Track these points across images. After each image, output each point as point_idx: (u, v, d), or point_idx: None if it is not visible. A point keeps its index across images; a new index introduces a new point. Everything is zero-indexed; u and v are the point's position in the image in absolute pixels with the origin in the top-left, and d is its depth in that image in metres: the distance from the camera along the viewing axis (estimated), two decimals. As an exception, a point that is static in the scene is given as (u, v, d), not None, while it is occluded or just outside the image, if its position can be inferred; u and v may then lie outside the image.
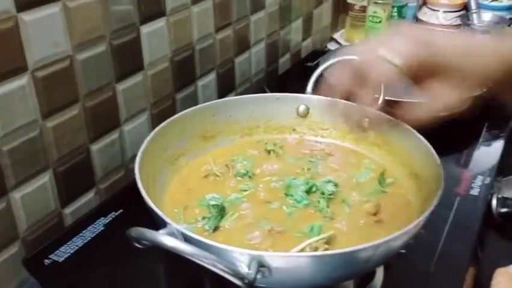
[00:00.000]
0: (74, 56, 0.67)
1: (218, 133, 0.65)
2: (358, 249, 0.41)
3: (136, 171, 0.49)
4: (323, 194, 0.56)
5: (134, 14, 0.75)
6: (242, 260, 0.40)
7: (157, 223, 0.45)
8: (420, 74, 0.45)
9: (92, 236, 0.62)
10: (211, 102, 0.66)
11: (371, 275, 0.56)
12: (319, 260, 0.41)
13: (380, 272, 0.57)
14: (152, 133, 0.56)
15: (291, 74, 1.16)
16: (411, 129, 0.57)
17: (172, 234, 0.41)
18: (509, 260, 0.68)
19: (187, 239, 0.41)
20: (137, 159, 0.51)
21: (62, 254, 0.60)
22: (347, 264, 0.43)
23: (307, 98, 0.68)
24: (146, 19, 0.77)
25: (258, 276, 0.40)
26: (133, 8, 0.74)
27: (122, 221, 0.64)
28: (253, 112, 0.67)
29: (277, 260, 0.40)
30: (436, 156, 0.53)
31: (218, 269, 0.38)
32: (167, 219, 0.42)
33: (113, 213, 0.66)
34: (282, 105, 0.68)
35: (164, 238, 0.38)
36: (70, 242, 0.61)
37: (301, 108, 0.68)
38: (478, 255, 0.69)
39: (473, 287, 0.67)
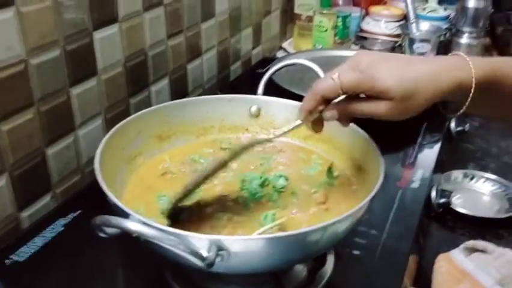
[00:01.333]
0: (28, 60, 0.67)
1: (174, 133, 0.68)
2: (309, 231, 0.44)
3: (96, 165, 0.51)
4: (274, 187, 0.60)
5: (87, 20, 0.76)
6: (202, 245, 0.42)
7: (119, 216, 0.46)
8: (363, 92, 0.51)
9: (53, 235, 0.63)
10: (167, 103, 0.69)
11: (322, 261, 0.60)
12: (273, 242, 0.44)
13: (330, 259, 0.61)
14: (110, 132, 0.58)
15: (242, 80, 1.20)
16: (355, 126, 0.62)
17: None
18: (449, 247, 0.74)
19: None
20: (97, 156, 0.53)
21: (23, 254, 0.60)
22: (299, 246, 0.46)
23: (259, 99, 0.72)
24: (99, 25, 0.79)
25: (217, 260, 0.42)
26: (86, 14, 0.76)
27: (82, 221, 0.65)
28: (207, 113, 0.70)
29: (235, 243, 0.43)
30: (377, 148, 0.58)
31: (180, 249, 0.40)
32: (129, 210, 0.44)
33: (72, 214, 0.67)
34: (234, 106, 0.71)
35: (129, 223, 0.40)
36: (30, 242, 0.62)
37: (253, 108, 0.72)
38: (420, 244, 0.75)
39: (417, 273, 0.72)
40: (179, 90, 1.04)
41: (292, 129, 0.58)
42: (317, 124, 0.57)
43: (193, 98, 0.69)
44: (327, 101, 0.53)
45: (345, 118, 0.55)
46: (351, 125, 0.62)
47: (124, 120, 0.61)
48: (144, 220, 0.43)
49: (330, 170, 0.62)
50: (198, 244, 0.42)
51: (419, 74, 0.50)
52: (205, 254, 0.41)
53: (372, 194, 0.50)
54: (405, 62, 0.52)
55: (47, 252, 0.61)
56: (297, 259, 0.51)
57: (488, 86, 0.52)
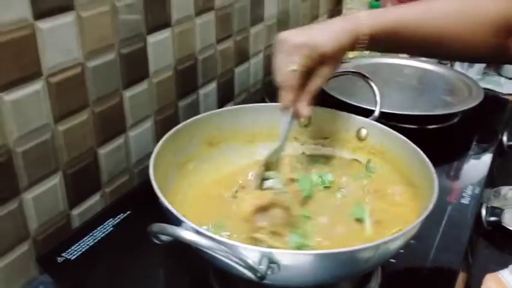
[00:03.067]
0: (85, 63, 0.69)
1: (224, 140, 0.68)
2: (360, 249, 0.44)
3: (151, 171, 0.52)
4: None
5: (142, 24, 0.78)
6: (253, 256, 0.42)
7: (171, 222, 0.47)
8: (317, 63, 0.63)
9: (103, 235, 0.65)
10: (219, 110, 0.69)
11: (369, 277, 0.59)
12: (323, 258, 0.44)
13: (377, 275, 0.60)
14: (164, 138, 0.59)
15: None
16: (409, 141, 0.61)
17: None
18: (498, 266, 0.71)
19: (201, 235, 0.44)
20: (151, 161, 0.54)
21: (73, 252, 0.62)
22: (349, 263, 0.46)
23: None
24: (152, 29, 0.80)
25: (269, 272, 0.42)
26: (141, 18, 0.77)
27: (131, 222, 0.67)
28: (256, 120, 0.70)
29: (286, 256, 0.43)
30: (431, 165, 0.57)
31: (232, 261, 0.41)
32: (183, 218, 0.45)
33: (122, 214, 0.68)
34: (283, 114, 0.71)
35: (183, 232, 0.41)
36: (81, 241, 0.64)
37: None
38: (468, 261, 0.73)
39: (465, 292, 0.70)
40: (226, 94, 1.05)
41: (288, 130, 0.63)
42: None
43: (244, 105, 0.69)
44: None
45: (311, 100, 0.64)
46: (404, 139, 0.62)
47: (177, 126, 0.62)
48: (197, 228, 0.44)
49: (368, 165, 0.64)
50: (249, 255, 0.43)
51: (336, 33, 0.63)
52: (256, 266, 0.41)
53: (427, 212, 0.49)
54: (323, 26, 0.64)
55: (97, 252, 0.63)
56: (345, 275, 0.51)
57: (386, 37, 0.64)
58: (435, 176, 0.54)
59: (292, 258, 0.44)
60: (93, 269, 0.60)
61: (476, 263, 0.76)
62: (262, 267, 0.41)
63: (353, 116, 0.69)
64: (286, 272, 0.44)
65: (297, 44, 0.62)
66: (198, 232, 0.42)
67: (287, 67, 0.62)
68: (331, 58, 0.63)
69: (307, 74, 0.63)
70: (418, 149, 0.60)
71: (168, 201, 0.48)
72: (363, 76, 0.69)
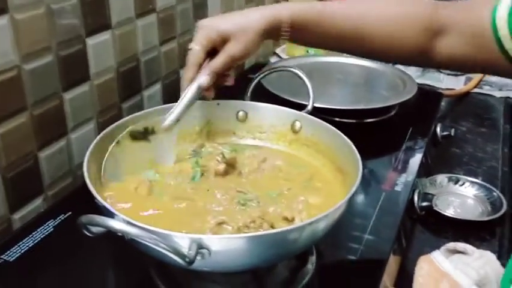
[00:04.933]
0: (22, 65, 0.69)
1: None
2: (287, 230, 0.46)
3: (85, 168, 0.53)
4: None
5: (80, 26, 0.78)
6: (183, 243, 0.44)
7: (105, 215, 0.48)
8: (219, 42, 0.67)
9: (42, 236, 0.65)
10: (155, 107, 0.70)
11: (304, 261, 0.62)
12: (252, 241, 0.46)
13: (312, 259, 0.63)
14: (99, 137, 0.60)
15: (234, 85, 1.21)
16: (337, 131, 0.64)
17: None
18: (432, 249, 0.75)
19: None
20: (85, 160, 0.55)
21: (13, 254, 0.62)
22: (278, 245, 0.48)
23: (246, 104, 0.74)
24: (92, 31, 0.81)
25: (198, 257, 0.44)
26: (79, 21, 0.78)
27: (71, 222, 0.67)
28: (195, 117, 0.72)
29: (215, 241, 0.45)
30: (356, 151, 0.60)
31: (161, 248, 0.42)
32: (114, 210, 0.46)
33: (62, 215, 0.69)
34: (222, 110, 0.73)
35: (113, 222, 0.42)
36: (21, 242, 0.64)
37: (241, 113, 0.74)
38: (402, 245, 0.77)
39: (399, 274, 0.74)
40: (171, 95, 1.06)
41: (187, 104, 0.67)
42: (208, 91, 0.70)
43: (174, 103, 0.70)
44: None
45: (217, 77, 0.69)
46: (335, 130, 0.65)
47: (111, 125, 0.63)
48: (128, 219, 0.45)
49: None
50: (179, 242, 0.44)
51: (247, 17, 0.67)
52: (185, 252, 0.43)
53: (349, 195, 0.52)
54: (237, 13, 0.69)
55: (37, 253, 0.63)
56: (276, 258, 0.53)
57: (307, 27, 0.68)
58: (359, 161, 0.57)
59: (220, 243, 0.46)
60: (32, 270, 0.60)
61: (412, 246, 0.80)
62: (191, 252, 0.43)
63: (287, 109, 0.71)
64: (217, 257, 0.46)
65: (201, 26, 0.68)
66: (127, 222, 0.44)
67: (192, 47, 0.68)
68: (236, 38, 0.66)
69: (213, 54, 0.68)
70: (346, 137, 0.63)
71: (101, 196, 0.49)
72: (295, 72, 0.72)
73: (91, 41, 0.81)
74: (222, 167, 0.65)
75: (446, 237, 0.82)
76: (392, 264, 0.69)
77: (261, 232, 0.45)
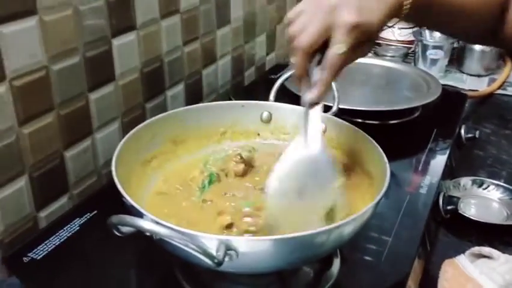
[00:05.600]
0: (50, 66, 0.70)
1: (188, 138, 0.70)
2: (314, 233, 0.46)
3: (113, 168, 0.54)
4: None
5: (106, 27, 0.79)
6: (212, 244, 0.44)
7: (134, 215, 0.49)
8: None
9: (69, 235, 0.66)
10: (180, 109, 0.71)
11: (329, 264, 0.62)
12: (279, 243, 0.46)
13: (336, 262, 0.63)
14: (126, 137, 0.61)
15: (255, 86, 1.22)
16: (366, 134, 0.64)
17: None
18: (456, 253, 0.75)
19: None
20: (113, 160, 0.55)
21: (40, 252, 0.63)
22: (305, 248, 0.48)
23: (270, 105, 0.74)
24: (117, 32, 0.82)
25: (226, 259, 0.44)
26: (105, 22, 0.79)
27: (98, 221, 0.68)
28: (220, 118, 0.72)
29: (243, 243, 0.45)
30: (383, 154, 0.59)
31: (190, 248, 0.42)
32: (143, 210, 0.47)
33: (88, 214, 0.70)
34: (247, 111, 0.73)
35: (142, 222, 0.42)
36: (48, 240, 0.65)
37: (265, 114, 0.74)
38: (427, 249, 0.76)
39: (423, 277, 0.73)
40: (194, 95, 1.07)
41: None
42: None
43: (207, 103, 0.71)
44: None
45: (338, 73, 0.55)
46: (362, 132, 0.64)
47: (138, 126, 0.64)
48: (157, 220, 0.45)
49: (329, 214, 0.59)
50: (207, 243, 0.45)
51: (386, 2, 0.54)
52: (214, 253, 0.43)
53: (377, 199, 0.51)
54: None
55: (64, 251, 0.64)
56: (302, 260, 0.53)
57: (425, 5, 0.59)
58: (387, 164, 0.57)
59: (248, 245, 0.46)
60: (59, 268, 0.61)
61: (436, 250, 0.79)
62: (220, 254, 0.43)
63: (313, 111, 0.71)
64: (244, 259, 0.46)
65: (348, 23, 0.52)
66: (156, 222, 0.44)
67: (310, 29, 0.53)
68: (377, 33, 0.56)
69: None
70: (373, 140, 0.62)
71: (131, 197, 0.50)
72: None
73: (116, 42, 0.82)
74: (240, 167, 0.65)
75: (470, 240, 0.81)
76: (417, 268, 0.69)
77: (288, 235, 0.45)
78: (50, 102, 0.72)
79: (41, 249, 0.63)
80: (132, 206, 0.48)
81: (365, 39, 0.54)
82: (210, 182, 0.64)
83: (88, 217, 0.69)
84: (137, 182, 0.61)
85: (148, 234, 0.44)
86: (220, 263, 0.43)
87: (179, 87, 1.02)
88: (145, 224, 0.42)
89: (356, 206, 0.60)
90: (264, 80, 1.23)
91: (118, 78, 0.84)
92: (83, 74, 0.77)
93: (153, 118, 0.67)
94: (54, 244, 0.64)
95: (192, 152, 0.69)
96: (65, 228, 0.67)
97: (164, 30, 0.93)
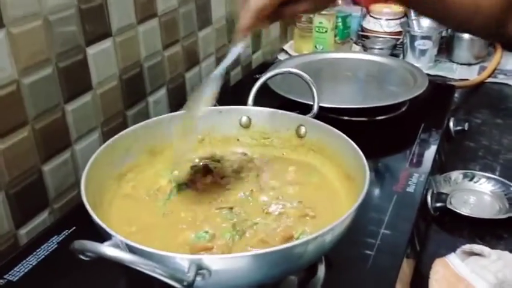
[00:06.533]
0: (21, 80, 0.68)
1: (166, 148, 0.68)
2: (289, 246, 0.45)
3: (82, 187, 0.52)
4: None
5: (80, 36, 0.77)
6: (182, 264, 0.43)
7: (104, 236, 0.47)
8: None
9: (46, 253, 0.64)
10: (155, 118, 0.69)
11: (313, 270, 0.60)
12: (255, 259, 0.44)
13: (321, 267, 0.61)
14: (97, 152, 0.59)
15: (241, 86, 1.20)
16: (344, 135, 0.62)
17: (116, 245, 0.43)
18: (448, 250, 0.73)
19: (130, 249, 0.44)
20: (83, 177, 0.54)
21: (16, 273, 0.61)
22: (283, 261, 0.46)
23: (248, 110, 0.72)
24: (92, 41, 0.80)
25: (198, 279, 0.43)
26: (78, 30, 0.77)
27: (75, 238, 0.65)
28: (197, 126, 0.70)
29: (215, 262, 0.44)
30: (363, 157, 0.57)
31: (158, 274, 0.41)
32: (111, 231, 0.45)
33: (67, 230, 0.68)
34: (225, 117, 0.71)
35: (105, 249, 0.41)
36: (24, 261, 0.63)
37: (244, 119, 0.72)
38: (416, 248, 0.74)
39: (414, 277, 0.71)
40: (178, 99, 1.05)
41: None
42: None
43: (182, 111, 0.69)
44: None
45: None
46: (340, 134, 0.63)
47: (110, 139, 0.62)
48: (125, 241, 0.44)
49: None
50: (177, 263, 0.43)
51: None
52: (182, 276, 0.41)
53: (356, 205, 0.50)
54: None
55: (41, 271, 0.62)
56: (282, 273, 0.51)
57: None
58: (366, 167, 0.55)
59: (221, 263, 0.44)
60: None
61: (427, 247, 0.77)
62: (190, 275, 0.41)
63: (291, 113, 0.69)
64: (219, 277, 0.44)
65: None
66: (121, 248, 0.42)
67: None
68: None
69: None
70: (351, 141, 0.61)
71: (100, 216, 0.48)
72: (301, 75, 0.70)
73: (91, 50, 0.80)
74: (208, 180, 0.64)
75: (462, 236, 0.80)
76: (406, 269, 0.67)
77: (264, 250, 0.44)
78: (24, 116, 0.70)
79: (18, 270, 0.62)
80: (100, 227, 0.46)
81: None
82: (176, 193, 0.63)
83: (67, 234, 0.67)
84: (111, 197, 0.59)
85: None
86: (190, 285, 0.41)
87: (162, 92, 1.00)
88: (108, 251, 0.40)
89: (338, 210, 0.59)
90: (250, 80, 1.21)
91: (95, 87, 0.82)
92: (57, 86, 0.75)
93: (127, 130, 0.65)
94: (31, 264, 0.62)
95: (170, 163, 0.67)
96: (42, 247, 0.65)
97: (142, 35, 0.91)
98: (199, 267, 0.42)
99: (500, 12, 0.66)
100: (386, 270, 0.62)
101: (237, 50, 0.62)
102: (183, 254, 0.43)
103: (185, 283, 0.41)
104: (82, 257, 0.43)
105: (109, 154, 0.60)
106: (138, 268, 0.41)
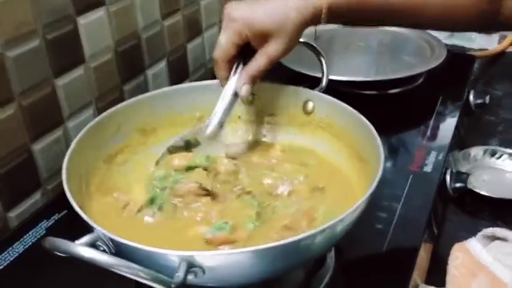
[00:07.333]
0: (4, 53, 0.63)
1: (159, 126, 0.62)
2: (295, 240, 0.39)
3: (63, 170, 0.47)
4: None
5: (69, 5, 0.71)
6: (172, 262, 0.38)
7: (87, 228, 0.42)
8: (256, 40, 0.59)
9: (34, 240, 0.60)
10: (147, 94, 0.63)
11: (322, 260, 0.55)
12: (254, 255, 0.39)
13: (330, 258, 0.56)
14: (81, 132, 0.53)
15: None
16: (355, 111, 0.56)
17: (96, 240, 0.38)
18: (468, 233, 0.68)
19: (115, 243, 0.39)
20: (66, 158, 0.48)
21: (2, 261, 0.57)
22: (288, 256, 0.41)
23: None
24: (82, 10, 0.74)
25: (190, 277, 0.38)
26: (67, -1, 0.71)
27: (65, 223, 0.62)
28: (195, 101, 0.64)
29: (209, 259, 0.39)
30: (377, 137, 0.52)
31: (142, 278, 0.36)
32: (93, 224, 0.40)
33: (57, 215, 0.63)
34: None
35: (80, 249, 0.35)
36: (11, 248, 0.59)
37: (247, 94, 0.66)
38: (433, 232, 0.69)
39: (432, 262, 0.66)
40: (179, 72, 0.99)
41: (228, 106, 0.61)
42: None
43: (178, 86, 0.63)
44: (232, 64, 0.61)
45: (255, 80, 0.60)
46: (351, 110, 0.57)
47: (97, 118, 0.56)
48: (110, 236, 0.39)
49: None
50: (169, 260, 0.38)
51: (284, 8, 0.58)
52: (171, 276, 0.36)
53: (369, 192, 0.44)
54: (271, 1, 0.58)
55: (28, 260, 0.57)
56: (288, 267, 0.46)
57: (350, 8, 0.59)
58: (381, 147, 0.49)
59: (215, 260, 0.39)
60: (22, 279, 0.55)
61: (445, 230, 0.72)
62: (179, 275, 0.36)
63: (298, 88, 0.63)
64: (214, 274, 0.39)
65: (231, 18, 0.59)
66: (104, 243, 0.37)
67: (221, 42, 0.59)
68: (275, 36, 0.58)
69: (251, 51, 0.60)
70: (364, 118, 0.55)
71: (85, 203, 0.43)
72: (310, 44, 0.64)
73: (82, 21, 0.74)
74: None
75: (482, 218, 0.75)
76: (423, 255, 0.62)
77: (262, 246, 0.38)
78: (9, 93, 0.65)
79: (3, 258, 0.57)
80: (82, 218, 0.41)
81: (256, 38, 0.58)
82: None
83: (56, 218, 0.63)
84: (99, 182, 0.54)
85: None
86: (182, 284, 0.36)
87: (161, 65, 0.94)
88: (82, 251, 0.35)
89: (351, 194, 0.53)
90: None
91: (88, 60, 0.77)
92: (45, 59, 0.69)
93: (116, 106, 0.60)
94: (17, 252, 0.58)
95: (163, 143, 0.61)
96: (30, 233, 0.60)
97: (139, 4, 0.85)
98: (191, 265, 0.37)
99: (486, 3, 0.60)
100: (402, 257, 0.57)
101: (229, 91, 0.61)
102: (173, 250, 0.38)
103: (173, 286, 0.36)
104: (58, 253, 0.38)
105: (96, 134, 0.55)
106: (119, 272, 0.35)
